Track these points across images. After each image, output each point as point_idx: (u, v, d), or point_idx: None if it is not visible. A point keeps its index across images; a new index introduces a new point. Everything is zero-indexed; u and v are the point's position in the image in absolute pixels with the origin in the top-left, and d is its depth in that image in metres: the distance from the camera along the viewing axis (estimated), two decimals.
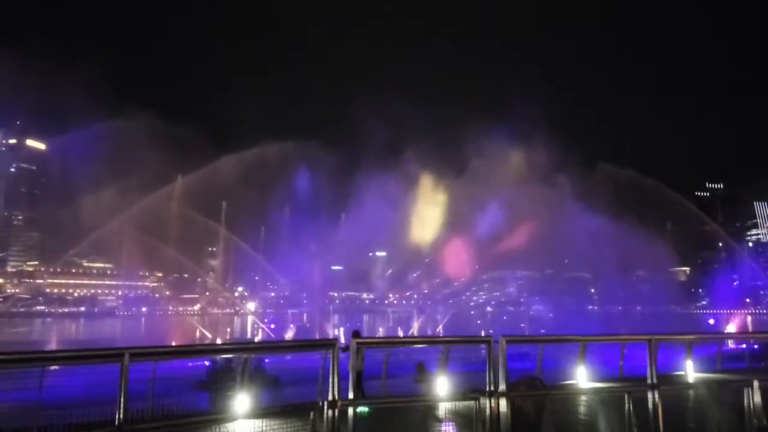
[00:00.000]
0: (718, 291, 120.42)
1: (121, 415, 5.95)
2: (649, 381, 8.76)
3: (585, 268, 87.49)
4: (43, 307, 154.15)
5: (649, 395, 8.60)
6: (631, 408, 8.62)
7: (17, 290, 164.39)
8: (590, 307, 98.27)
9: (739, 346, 28.28)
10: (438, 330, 77.10)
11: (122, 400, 6.00)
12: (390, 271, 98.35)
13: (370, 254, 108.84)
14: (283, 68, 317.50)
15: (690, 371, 18.72)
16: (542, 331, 61.54)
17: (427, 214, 75.78)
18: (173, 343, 45.07)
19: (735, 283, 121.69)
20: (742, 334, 45.35)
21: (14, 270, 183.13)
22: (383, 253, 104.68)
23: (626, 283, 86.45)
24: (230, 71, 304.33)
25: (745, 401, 9.52)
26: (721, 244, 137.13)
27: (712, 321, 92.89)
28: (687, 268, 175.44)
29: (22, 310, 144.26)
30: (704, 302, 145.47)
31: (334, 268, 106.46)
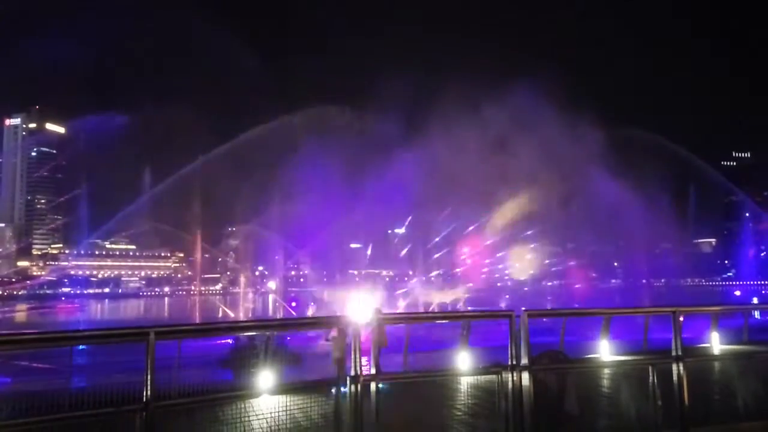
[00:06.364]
0: (744, 263, 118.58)
1: (149, 392, 6.04)
2: (673, 353, 8.64)
3: (608, 241, 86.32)
4: (68, 289, 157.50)
5: (674, 367, 8.49)
6: (656, 380, 8.55)
7: (43, 273, 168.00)
8: (613, 280, 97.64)
9: (767, 318, 27.95)
10: (459, 305, 77.20)
11: (149, 377, 6.08)
12: (407, 248, 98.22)
13: (389, 231, 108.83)
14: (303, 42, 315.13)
15: (716, 343, 18.54)
16: (576, 305, 61.26)
17: (447, 187, 74.85)
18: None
19: (762, 254, 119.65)
20: None
21: (39, 253, 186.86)
22: (402, 230, 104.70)
23: (650, 256, 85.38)
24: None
25: None
26: (748, 215, 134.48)
27: (738, 293, 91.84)
28: (713, 240, 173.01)
29: (48, 292, 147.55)
30: (730, 274, 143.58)
31: (353, 245, 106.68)
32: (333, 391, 8.16)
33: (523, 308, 8.09)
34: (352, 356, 7.08)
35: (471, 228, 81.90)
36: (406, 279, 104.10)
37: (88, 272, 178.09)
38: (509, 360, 7.76)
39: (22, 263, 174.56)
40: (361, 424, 6.85)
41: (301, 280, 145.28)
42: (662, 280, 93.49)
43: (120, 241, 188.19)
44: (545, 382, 8.70)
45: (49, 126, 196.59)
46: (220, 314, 77.87)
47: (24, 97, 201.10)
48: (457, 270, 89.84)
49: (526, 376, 7.66)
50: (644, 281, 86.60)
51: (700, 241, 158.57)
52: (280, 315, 76.59)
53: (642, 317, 20.59)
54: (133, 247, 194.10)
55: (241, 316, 68.94)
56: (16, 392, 14.23)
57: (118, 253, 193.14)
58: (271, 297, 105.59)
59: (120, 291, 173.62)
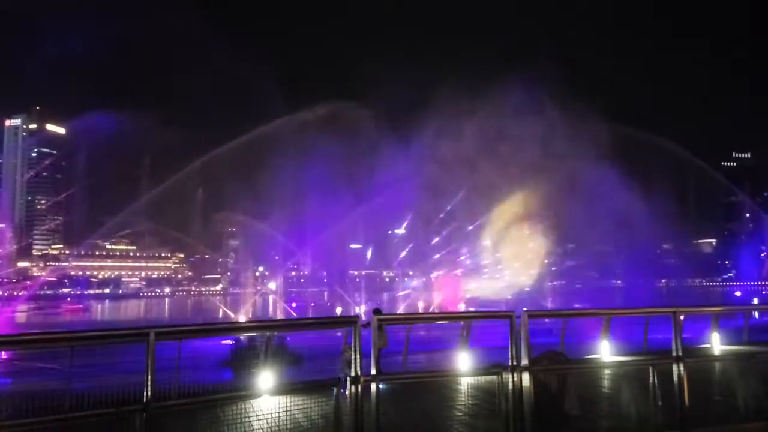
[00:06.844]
0: (745, 263, 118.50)
1: (149, 393, 6.03)
2: (674, 354, 8.63)
3: (608, 241, 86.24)
4: (69, 290, 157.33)
5: (674, 368, 8.49)
6: (656, 381, 8.55)
7: (43, 273, 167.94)
8: (615, 281, 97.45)
9: (767, 318, 27.91)
10: (459, 305, 77.07)
11: (149, 378, 6.07)
12: (408, 249, 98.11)
13: (389, 232, 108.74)
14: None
15: (716, 344, 18.50)
16: (576, 305, 61.11)
17: (445, 186, 74.70)
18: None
19: (762, 255, 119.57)
20: None
21: (39, 254, 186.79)
22: (402, 231, 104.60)
23: (650, 257, 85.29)
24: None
25: None
26: (748, 215, 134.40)
27: (738, 293, 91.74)
28: (713, 240, 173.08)
29: (48, 293, 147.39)
30: (731, 274, 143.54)
31: (353, 246, 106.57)
32: (333, 391, 8.16)
33: (524, 309, 8.10)
34: (353, 357, 7.09)
35: (470, 228, 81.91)
36: (406, 279, 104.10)
37: (88, 273, 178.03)
38: (510, 360, 7.76)
39: (23, 264, 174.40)
40: (362, 424, 6.85)
41: (302, 281, 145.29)
42: (663, 281, 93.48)
43: (120, 241, 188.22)
44: (545, 382, 8.70)
45: (50, 127, 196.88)
46: (221, 315, 77.85)
47: (24, 97, 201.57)
48: (458, 271, 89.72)
49: (526, 377, 7.65)
50: (644, 282, 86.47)
51: (700, 241, 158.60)
52: (280, 315, 76.56)
53: (642, 318, 20.55)
54: (134, 247, 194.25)
55: (241, 317, 68.82)
56: (16, 392, 14.22)
57: (118, 253, 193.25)
58: (271, 298, 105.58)
59: (120, 292, 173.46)
